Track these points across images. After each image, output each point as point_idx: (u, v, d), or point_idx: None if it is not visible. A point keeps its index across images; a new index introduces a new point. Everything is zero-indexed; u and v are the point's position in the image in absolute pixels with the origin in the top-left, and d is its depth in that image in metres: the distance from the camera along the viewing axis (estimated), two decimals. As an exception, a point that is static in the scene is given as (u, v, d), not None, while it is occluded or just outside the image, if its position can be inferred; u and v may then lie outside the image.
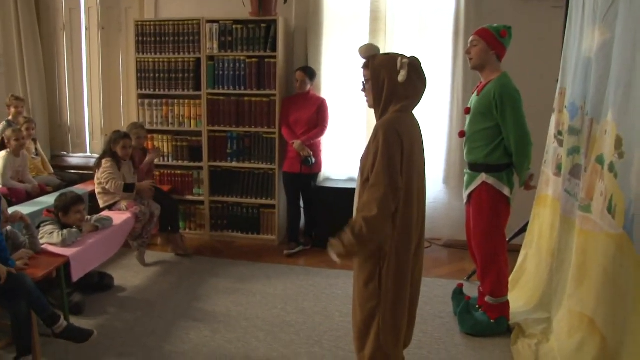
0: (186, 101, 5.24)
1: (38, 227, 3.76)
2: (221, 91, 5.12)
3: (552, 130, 3.85)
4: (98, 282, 4.16)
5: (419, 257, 2.56)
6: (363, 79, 2.55)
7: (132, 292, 4.22)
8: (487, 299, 3.52)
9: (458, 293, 3.81)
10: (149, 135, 5.37)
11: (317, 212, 5.19)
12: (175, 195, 5.40)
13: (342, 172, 5.43)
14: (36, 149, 5.58)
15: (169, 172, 5.45)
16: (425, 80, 2.48)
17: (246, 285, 4.32)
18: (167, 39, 5.14)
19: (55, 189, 5.25)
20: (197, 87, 5.16)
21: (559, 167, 3.64)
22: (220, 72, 5.08)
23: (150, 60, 5.22)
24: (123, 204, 4.50)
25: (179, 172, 5.43)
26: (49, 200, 4.77)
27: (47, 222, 3.76)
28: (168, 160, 5.40)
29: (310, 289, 4.26)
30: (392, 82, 2.38)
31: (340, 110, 5.30)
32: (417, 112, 2.49)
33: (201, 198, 5.39)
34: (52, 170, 5.68)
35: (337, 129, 5.31)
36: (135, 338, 3.49)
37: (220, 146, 5.26)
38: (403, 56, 2.48)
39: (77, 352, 3.29)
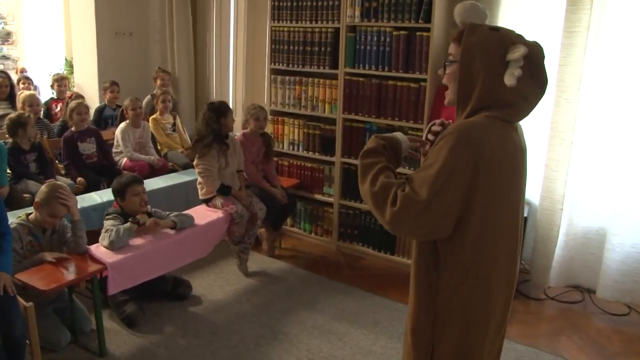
0: (321, 81, 4.38)
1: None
2: (361, 71, 4.14)
3: None
4: (171, 290, 3.61)
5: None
6: (447, 58, 1.70)
7: (206, 308, 3.58)
8: None
9: None
10: (279, 119, 4.66)
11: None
12: (304, 192, 4.63)
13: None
14: (174, 124, 5.29)
15: (298, 163, 4.68)
16: (546, 80, 1.63)
17: (342, 328, 3.37)
18: (304, 3, 4.31)
19: (182, 168, 4.91)
20: (334, 65, 4.26)
21: None
22: (362, 47, 4.09)
23: (285, 29, 4.46)
24: (218, 201, 3.85)
25: (309, 165, 4.62)
26: (157, 182, 4.42)
27: (110, 216, 3.29)
28: (298, 150, 4.63)
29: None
30: (493, 79, 1.56)
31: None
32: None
33: (330, 199, 4.52)
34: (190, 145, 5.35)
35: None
36: (166, 378, 2.83)
37: (356, 139, 4.30)
38: (520, 39, 1.59)
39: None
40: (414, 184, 1.51)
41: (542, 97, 1.63)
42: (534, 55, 1.57)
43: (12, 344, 2.49)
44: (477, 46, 1.57)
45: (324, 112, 4.41)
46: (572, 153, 3.61)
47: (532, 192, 3.96)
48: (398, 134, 1.72)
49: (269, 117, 4.66)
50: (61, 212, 3.01)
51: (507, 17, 3.78)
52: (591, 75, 3.51)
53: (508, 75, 1.54)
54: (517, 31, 1.65)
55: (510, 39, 1.58)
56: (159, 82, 5.54)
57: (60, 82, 5.74)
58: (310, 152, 4.58)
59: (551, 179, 3.67)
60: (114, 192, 3.36)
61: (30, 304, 2.58)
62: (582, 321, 3.57)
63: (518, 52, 1.53)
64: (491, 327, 1.68)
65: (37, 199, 3.03)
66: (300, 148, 4.62)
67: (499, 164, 1.54)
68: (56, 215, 3.00)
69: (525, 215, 3.68)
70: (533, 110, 1.65)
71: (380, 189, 1.55)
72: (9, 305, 2.47)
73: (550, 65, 3.64)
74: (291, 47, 4.46)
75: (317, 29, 4.29)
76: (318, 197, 4.61)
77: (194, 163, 3.96)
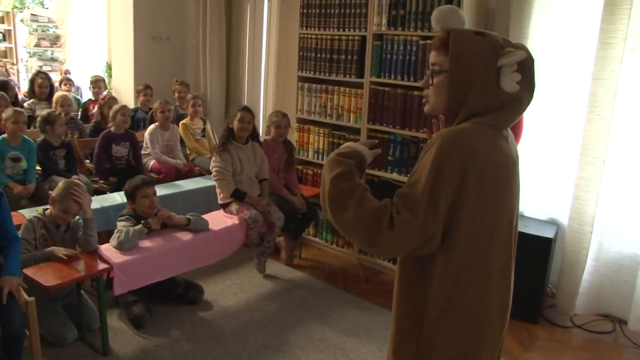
0: (347, 89, 4.33)
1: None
2: (387, 80, 4.07)
3: None
4: (182, 294, 3.61)
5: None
6: (430, 68, 1.57)
7: (215, 314, 3.57)
8: None
9: None
10: (305, 127, 4.63)
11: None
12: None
13: (541, 209, 3.90)
14: (204, 129, 5.34)
15: (322, 172, 4.61)
16: (534, 86, 1.55)
17: (349, 344, 3.28)
18: (332, 11, 4.28)
19: (209, 173, 4.94)
20: (360, 74, 4.20)
21: None
22: (388, 56, 4.02)
23: (313, 36, 4.44)
24: (234, 207, 3.84)
25: (333, 174, 4.55)
26: (180, 185, 4.47)
27: (122, 218, 3.33)
28: (322, 159, 4.59)
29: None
30: (487, 86, 1.48)
31: (546, 120, 3.79)
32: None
33: (353, 211, 4.44)
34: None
35: (540, 147, 3.82)
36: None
37: (380, 151, 4.20)
38: (507, 43, 1.51)
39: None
40: (408, 205, 1.41)
41: (530, 102, 1.55)
42: (526, 59, 1.48)
43: (10, 337, 2.52)
44: (468, 53, 1.48)
45: (349, 121, 4.36)
46: (604, 172, 3.42)
47: (561, 212, 3.79)
48: (357, 147, 1.60)
49: (295, 124, 4.65)
50: (73, 208, 3.06)
51: (539, 28, 3.64)
52: (627, 89, 3.32)
53: (507, 80, 1.46)
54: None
55: (498, 43, 1.49)
56: (176, 94, 5.68)
57: (96, 84, 5.91)
58: (334, 162, 4.51)
59: (581, 199, 3.49)
60: (125, 194, 3.41)
61: (32, 298, 2.62)
62: (610, 354, 3.36)
63: (515, 56, 1.44)
64: (483, 350, 1.56)
65: (52, 194, 3.11)
66: (325, 157, 4.57)
67: (489, 172, 1.44)
68: (68, 211, 3.05)
69: (552, 236, 3.54)
70: (518, 117, 1.56)
71: (370, 215, 1.42)
72: (8, 298, 2.51)
73: (583, 78, 3.54)
74: (318, 55, 4.44)
75: (344, 37, 4.25)
76: (341, 207, 4.53)
77: (210, 167, 3.98)
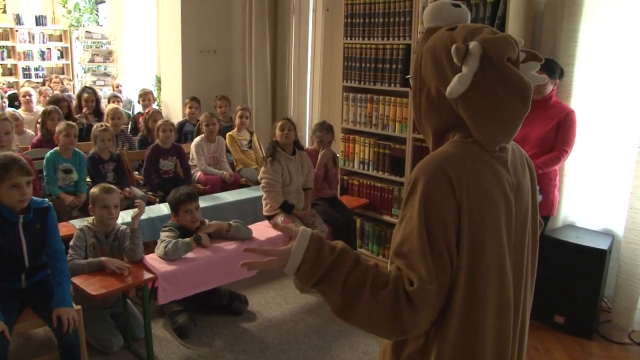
0: (392, 99, 4.35)
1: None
2: (432, 89, 4.05)
3: None
4: (226, 305, 3.69)
5: None
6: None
7: (259, 325, 3.63)
8: None
9: None
10: (350, 137, 4.67)
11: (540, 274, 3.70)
12: (373, 212, 4.59)
13: (594, 219, 3.79)
14: (250, 141, 5.45)
15: (368, 183, 4.65)
16: (522, 89, 1.24)
17: (393, 356, 3.26)
18: (376, 20, 4.31)
19: (255, 184, 5.04)
20: (405, 82, 4.21)
21: None
22: (433, 64, 4.01)
23: (358, 46, 4.48)
24: (279, 219, 3.91)
25: (379, 185, 4.57)
26: (227, 197, 4.58)
27: (166, 228, 3.43)
28: (368, 169, 4.61)
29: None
30: (438, 93, 1.30)
31: (598, 125, 3.69)
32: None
33: (399, 222, 4.44)
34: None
35: (592, 154, 3.73)
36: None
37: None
38: (478, 35, 1.25)
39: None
40: (418, 271, 1.20)
41: (523, 113, 1.27)
42: (495, 54, 1.21)
43: (65, 345, 2.68)
44: (428, 52, 1.31)
45: (394, 131, 4.36)
46: (663, 181, 3.31)
47: (616, 223, 3.68)
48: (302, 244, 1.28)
49: (341, 135, 4.70)
50: (107, 200, 3.20)
51: (590, 30, 3.55)
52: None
53: (450, 86, 1.22)
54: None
55: (461, 36, 1.25)
56: (218, 110, 5.82)
57: (145, 97, 6.14)
58: (380, 172, 4.53)
59: (637, 209, 3.37)
60: (170, 206, 3.50)
61: (79, 307, 2.75)
62: (672, 373, 3.24)
63: (455, 52, 1.21)
64: None
65: (90, 205, 3.25)
66: (370, 167, 4.59)
67: (488, 200, 1.25)
68: (106, 205, 3.18)
69: (606, 248, 3.43)
70: (515, 131, 1.29)
71: (387, 302, 1.21)
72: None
73: (638, 80, 3.43)
74: (363, 65, 4.47)
75: (388, 46, 4.27)
76: (387, 218, 4.54)
77: (259, 177, 4.06)
